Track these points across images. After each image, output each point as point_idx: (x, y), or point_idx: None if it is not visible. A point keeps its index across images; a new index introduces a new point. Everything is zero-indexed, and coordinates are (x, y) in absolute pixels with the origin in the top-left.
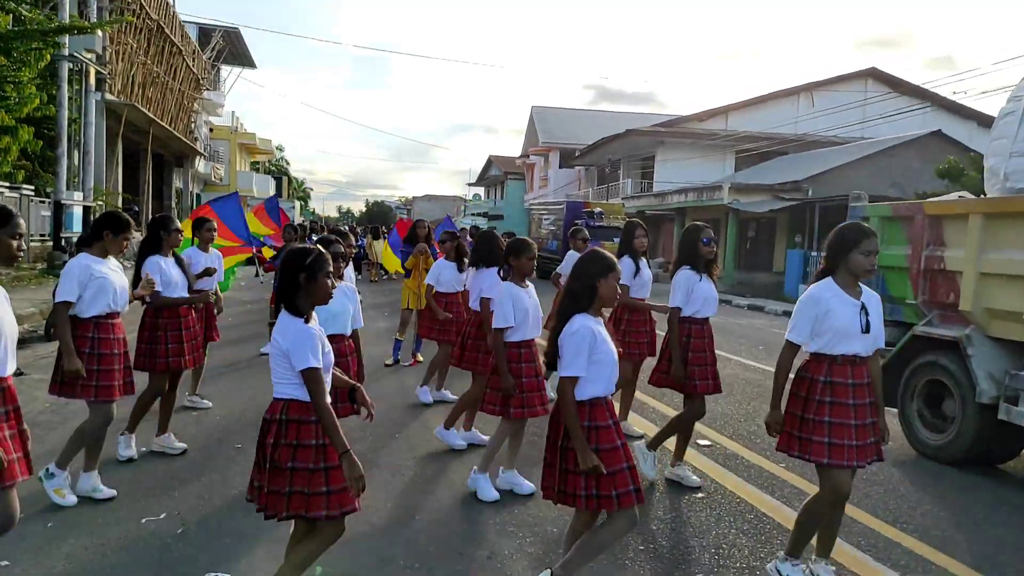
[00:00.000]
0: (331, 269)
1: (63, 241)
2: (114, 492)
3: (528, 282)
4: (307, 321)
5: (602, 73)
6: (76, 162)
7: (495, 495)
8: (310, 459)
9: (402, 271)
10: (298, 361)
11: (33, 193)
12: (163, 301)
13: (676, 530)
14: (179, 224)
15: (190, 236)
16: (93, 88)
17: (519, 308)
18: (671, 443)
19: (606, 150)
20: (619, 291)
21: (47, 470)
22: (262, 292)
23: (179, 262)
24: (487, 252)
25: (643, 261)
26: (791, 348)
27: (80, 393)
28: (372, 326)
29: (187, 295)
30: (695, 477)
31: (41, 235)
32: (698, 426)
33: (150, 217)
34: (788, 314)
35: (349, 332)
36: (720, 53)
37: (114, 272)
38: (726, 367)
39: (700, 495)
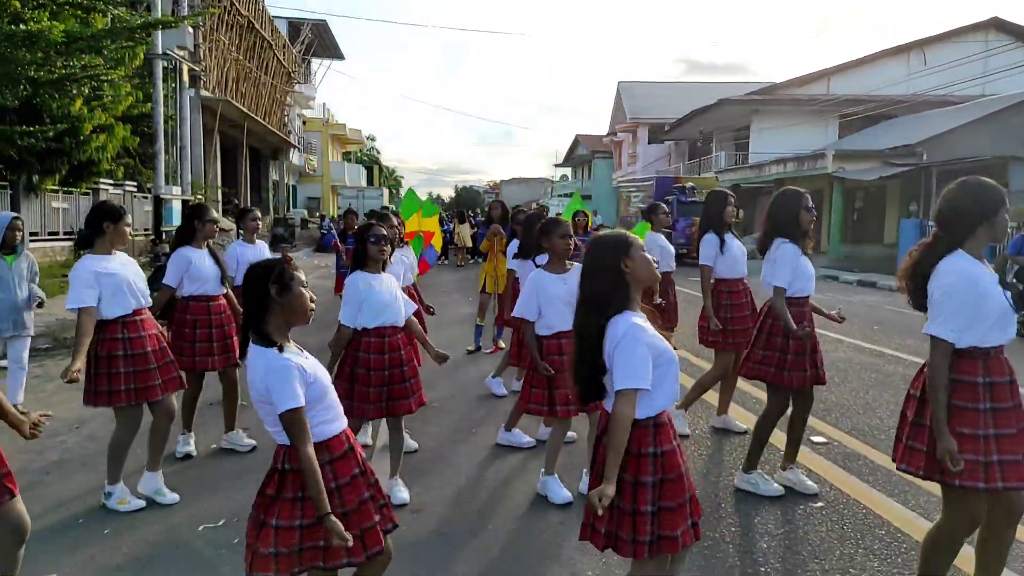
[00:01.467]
0: (303, 279)
1: (163, 235)
2: (176, 497)
3: (571, 263)
4: (281, 349)
5: (700, 42)
6: (175, 157)
7: (567, 496)
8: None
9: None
10: (279, 402)
11: (136, 189)
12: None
13: (792, 548)
14: (215, 215)
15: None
16: (187, 84)
17: (548, 296)
18: (780, 443)
19: (697, 122)
20: (653, 266)
21: (105, 493)
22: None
23: (213, 254)
24: (527, 240)
25: (730, 235)
26: (945, 349)
27: (115, 400)
28: (455, 311)
29: (221, 290)
30: (811, 482)
31: (145, 230)
32: (811, 420)
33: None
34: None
35: (402, 322)
36: (817, 17)
37: (125, 266)
38: (837, 349)
39: (818, 504)
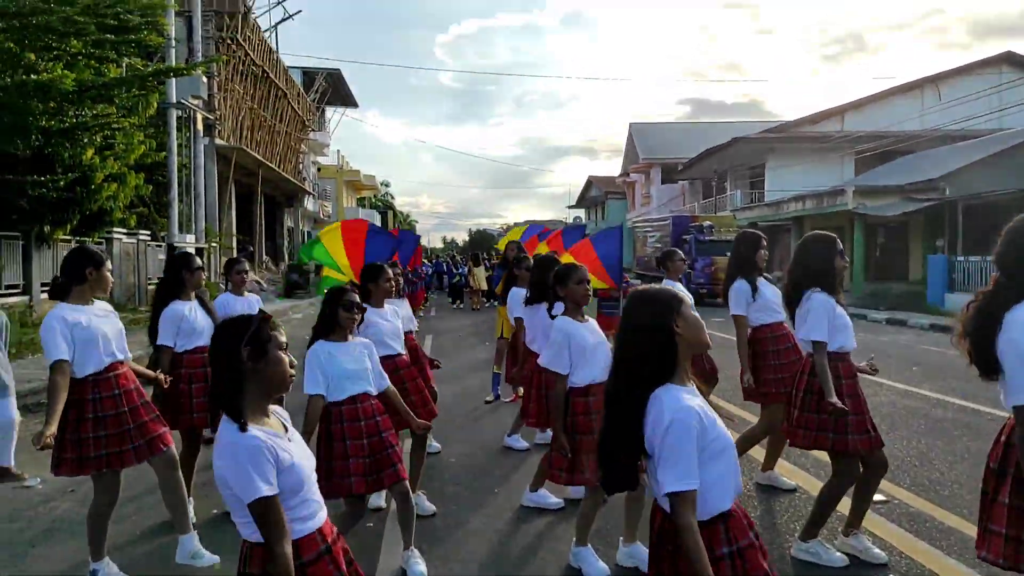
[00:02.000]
0: (283, 341)
1: None
2: (216, 559)
3: (587, 316)
4: (244, 427)
5: (704, 78)
6: (189, 206)
7: (604, 569)
8: None
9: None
10: (242, 491)
11: (149, 238)
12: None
13: None
14: (200, 262)
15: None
16: (201, 133)
17: (580, 346)
18: (841, 505)
19: (711, 161)
20: (705, 329)
21: (90, 572)
22: None
23: (203, 304)
24: (540, 283)
25: (762, 280)
26: None
27: (84, 468)
28: (471, 358)
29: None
30: (878, 550)
31: (159, 279)
32: None
33: (264, 256)
34: (937, 327)
35: (375, 391)
36: (825, 53)
37: (100, 318)
38: (878, 394)
39: None
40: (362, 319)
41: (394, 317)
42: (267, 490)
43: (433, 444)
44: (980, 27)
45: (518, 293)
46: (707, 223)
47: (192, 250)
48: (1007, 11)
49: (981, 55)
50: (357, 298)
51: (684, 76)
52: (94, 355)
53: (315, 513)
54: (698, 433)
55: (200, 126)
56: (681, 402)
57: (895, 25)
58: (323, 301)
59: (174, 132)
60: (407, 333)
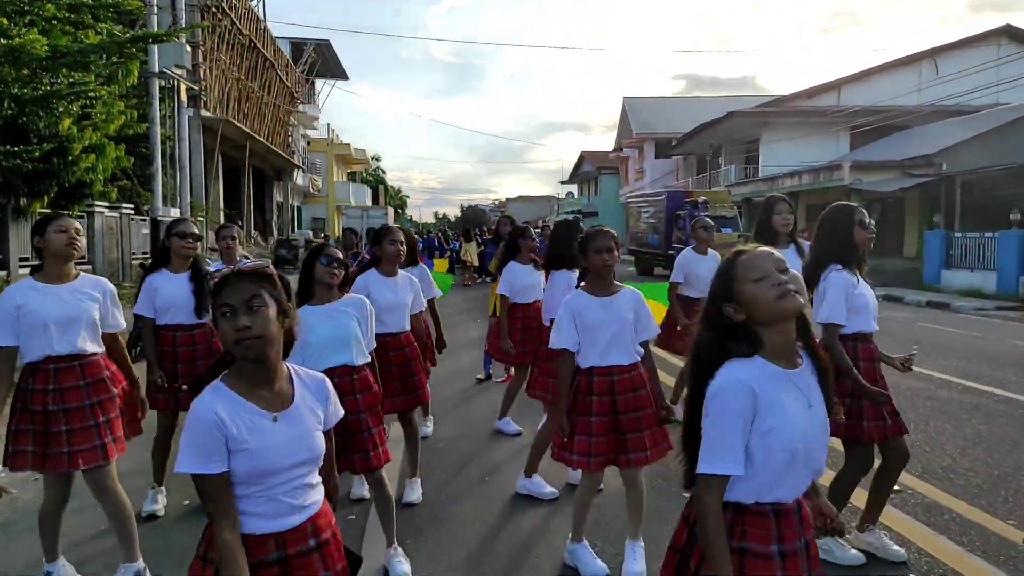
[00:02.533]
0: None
1: None
2: None
3: (619, 285)
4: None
5: (703, 56)
6: (174, 179)
7: (602, 568)
8: None
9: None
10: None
11: (133, 212)
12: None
13: None
14: (195, 229)
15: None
16: (185, 104)
17: (584, 324)
18: (859, 500)
19: (706, 136)
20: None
21: (44, 573)
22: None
23: (196, 277)
24: (564, 249)
25: (792, 248)
26: None
27: (16, 463)
28: (463, 335)
29: (196, 319)
30: (896, 547)
31: (144, 253)
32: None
33: (252, 231)
34: (933, 304)
35: (358, 362)
36: (824, 26)
37: (61, 300)
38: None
39: None
40: (346, 278)
41: (402, 290)
42: (197, 466)
43: (425, 428)
44: (978, 1)
45: (513, 268)
46: (702, 198)
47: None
48: None
49: (979, 29)
50: (338, 253)
51: (678, 51)
52: (33, 342)
53: (277, 515)
54: (744, 409)
55: (184, 97)
56: (733, 373)
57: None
58: (304, 262)
59: (157, 102)
60: (415, 314)
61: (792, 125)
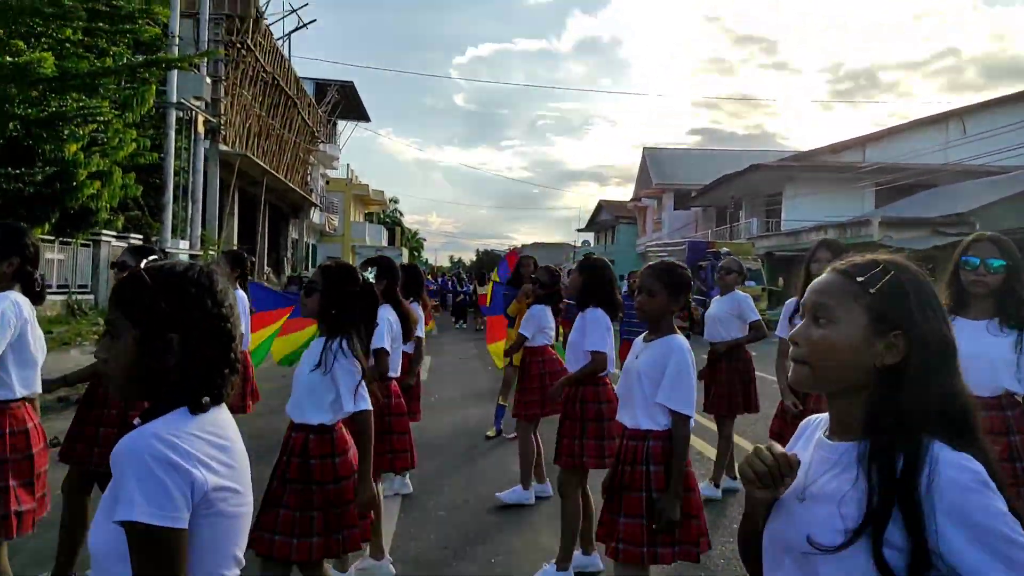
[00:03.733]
0: None
1: None
2: None
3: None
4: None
5: (714, 110)
6: (188, 211)
7: None
8: None
9: (501, 356)
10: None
11: (141, 242)
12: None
13: None
14: (132, 260)
15: None
16: (202, 136)
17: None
18: None
19: (727, 188)
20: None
21: None
22: None
23: None
24: (597, 285)
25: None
26: None
27: None
28: (473, 385)
29: None
30: None
31: None
32: None
33: (265, 267)
34: None
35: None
36: (838, 89)
37: None
38: None
39: None
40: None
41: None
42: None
43: (407, 483)
44: (994, 70)
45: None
46: (724, 250)
47: (186, 256)
48: (1021, 54)
49: (996, 95)
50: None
51: (696, 106)
52: None
53: None
54: None
55: (202, 129)
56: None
57: (908, 64)
58: None
59: (172, 133)
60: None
61: (816, 180)
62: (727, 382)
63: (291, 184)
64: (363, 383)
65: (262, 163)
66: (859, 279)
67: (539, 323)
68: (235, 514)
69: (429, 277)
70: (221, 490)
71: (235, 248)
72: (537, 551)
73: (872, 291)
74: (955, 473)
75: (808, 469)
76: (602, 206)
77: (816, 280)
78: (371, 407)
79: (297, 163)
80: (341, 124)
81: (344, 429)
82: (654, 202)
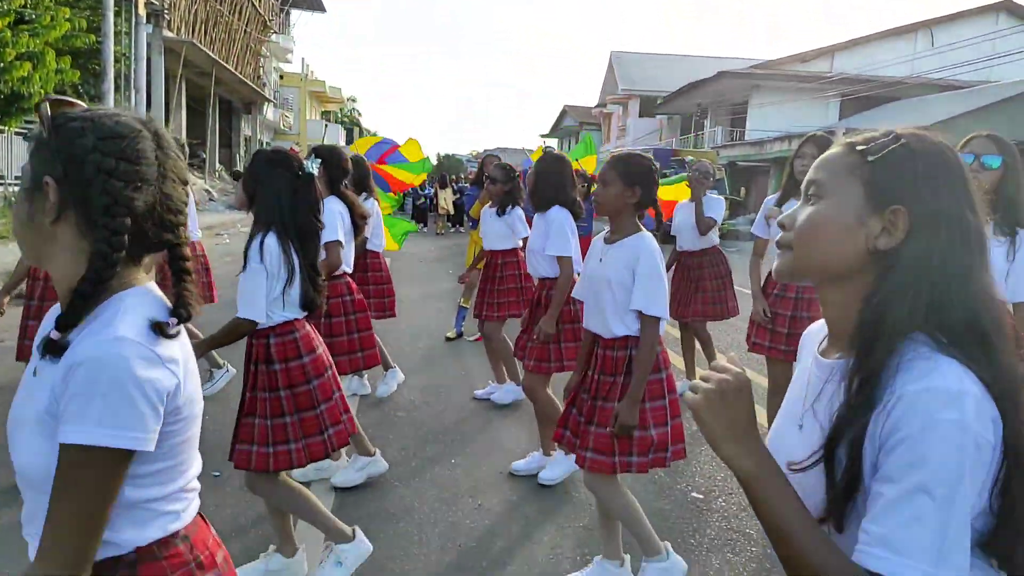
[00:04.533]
0: None
1: None
2: None
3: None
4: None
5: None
6: (131, 101)
7: None
8: None
9: (397, 246)
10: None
11: None
12: None
13: None
14: None
15: None
16: (144, 20)
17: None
18: None
19: (693, 96)
20: None
21: None
22: None
23: None
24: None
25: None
26: None
27: None
28: (435, 287)
29: None
30: None
31: None
32: None
33: (216, 164)
34: None
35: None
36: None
37: None
38: None
39: None
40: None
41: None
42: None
43: (365, 383)
44: None
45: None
46: (689, 158)
47: None
48: None
49: (978, 3)
50: None
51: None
52: None
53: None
54: None
55: (143, 11)
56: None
57: None
58: None
59: (111, 15)
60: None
61: (782, 89)
62: (702, 288)
63: (242, 76)
64: (261, 293)
65: (210, 52)
66: (859, 147)
67: (498, 230)
68: (197, 414)
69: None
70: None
71: (182, 139)
72: (499, 451)
73: (871, 159)
74: (915, 388)
75: (806, 393)
76: (567, 111)
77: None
78: (258, 321)
79: (249, 54)
80: (295, 14)
81: (308, 326)
82: (619, 108)
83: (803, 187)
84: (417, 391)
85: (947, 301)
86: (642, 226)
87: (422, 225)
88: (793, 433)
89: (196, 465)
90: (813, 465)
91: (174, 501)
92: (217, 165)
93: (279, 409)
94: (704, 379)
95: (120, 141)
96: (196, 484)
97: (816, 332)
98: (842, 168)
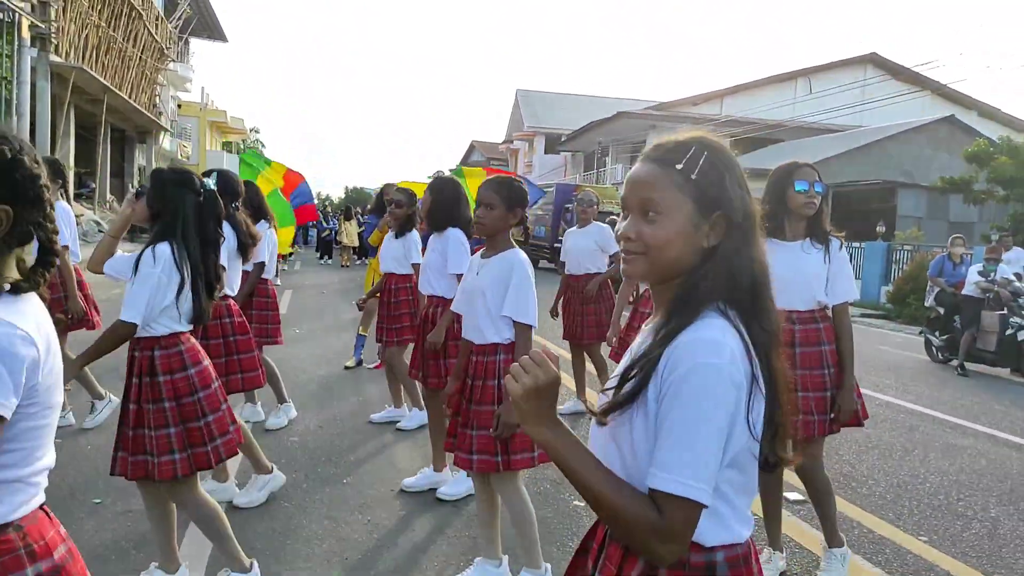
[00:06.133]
0: None
1: None
2: None
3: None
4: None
5: (586, 63)
6: (15, 127)
7: None
8: None
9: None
10: None
11: None
12: None
13: None
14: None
15: None
16: (28, 43)
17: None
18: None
19: (595, 134)
20: None
21: None
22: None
23: None
24: (449, 203)
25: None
26: None
27: None
28: (336, 318)
29: None
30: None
31: None
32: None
33: (107, 195)
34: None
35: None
36: (709, 42)
37: None
38: None
39: None
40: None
41: None
42: None
43: (258, 410)
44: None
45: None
46: (590, 191)
47: None
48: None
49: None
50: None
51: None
52: None
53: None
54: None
55: (27, 34)
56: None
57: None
58: None
59: None
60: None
61: (677, 130)
62: (595, 312)
63: (137, 105)
64: (143, 298)
65: (102, 79)
66: (679, 167)
67: (395, 252)
68: (57, 401)
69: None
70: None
71: (54, 158)
72: (391, 470)
73: (694, 177)
74: (690, 338)
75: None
76: (474, 146)
77: (633, 172)
78: (135, 323)
79: (144, 82)
80: (195, 43)
81: (192, 340)
82: (525, 144)
83: (635, 203)
84: (312, 418)
85: (740, 277)
86: (514, 243)
87: (326, 257)
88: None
89: (50, 457)
90: (620, 383)
91: (15, 491)
92: (108, 196)
93: (163, 420)
94: (524, 367)
95: None
96: (43, 479)
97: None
98: (671, 186)
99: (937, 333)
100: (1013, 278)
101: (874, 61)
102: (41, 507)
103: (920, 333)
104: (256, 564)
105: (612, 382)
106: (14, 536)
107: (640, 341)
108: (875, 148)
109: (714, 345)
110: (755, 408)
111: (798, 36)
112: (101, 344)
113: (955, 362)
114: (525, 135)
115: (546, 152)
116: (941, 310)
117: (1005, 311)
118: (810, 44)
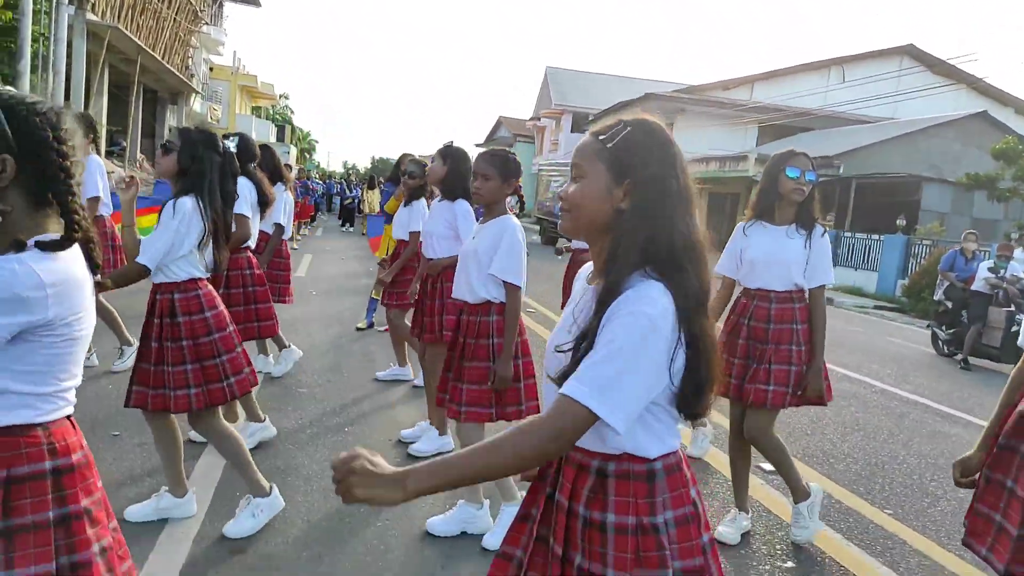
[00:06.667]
0: None
1: None
2: None
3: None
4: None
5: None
6: (50, 84)
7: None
8: None
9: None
10: None
11: None
12: None
13: None
14: None
15: None
16: (65, 1)
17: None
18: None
19: (623, 115)
20: None
21: None
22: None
23: None
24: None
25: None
26: None
27: None
28: (351, 282)
29: None
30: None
31: None
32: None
33: (138, 154)
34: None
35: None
36: (743, 27)
37: None
38: None
39: (788, 565)
40: None
41: None
42: None
43: (269, 361)
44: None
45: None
46: None
47: None
48: None
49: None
50: None
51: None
52: None
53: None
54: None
55: None
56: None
57: None
58: None
59: None
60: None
61: (705, 114)
62: None
63: (169, 66)
64: (160, 247)
65: (136, 39)
66: (601, 137)
67: (403, 220)
68: (78, 336)
69: (318, 180)
70: (68, 316)
71: (87, 112)
72: (391, 424)
73: (610, 146)
74: (630, 293)
75: (575, 307)
76: (501, 122)
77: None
78: (150, 266)
79: (177, 44)
80: (228, 6)
81: (209, 286)
82: (553, 122)
83: (572, 171)
84: (321, 372)
85: (655, 240)
86: (509, 210)
87: (348, 225)
88: (564, 333)
89: (73, 380)
90: (571, 349)
91: (44, 401)
92: (139, 155)
93: (180, 358)
94: (338, 475)
95: None
96: (70, 396)
97: (585, 271)
98: (592, 153)
99: (944, 327)
100: (1022, 276)
101: (910, 53)
102: (68, 418)
103: (928, 327)
104: (276, 488)
105: (565, 344)
106: (41, 433)
107: (581, 294)
108: (904, 141)
109: (649, 299)
110: (676, 360)
111: (834, 24)
112: (116, 278)
113: (960, 356)
114: (553, 113)
115: (572, 131)
116: (949, 304)
117: (1012, 308)
118: (846, 33)
